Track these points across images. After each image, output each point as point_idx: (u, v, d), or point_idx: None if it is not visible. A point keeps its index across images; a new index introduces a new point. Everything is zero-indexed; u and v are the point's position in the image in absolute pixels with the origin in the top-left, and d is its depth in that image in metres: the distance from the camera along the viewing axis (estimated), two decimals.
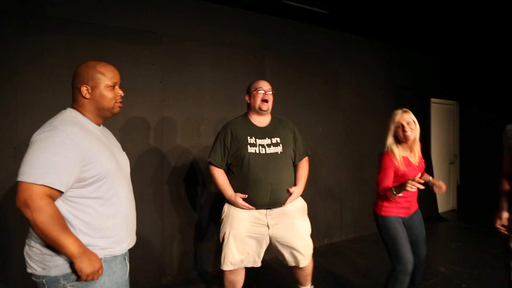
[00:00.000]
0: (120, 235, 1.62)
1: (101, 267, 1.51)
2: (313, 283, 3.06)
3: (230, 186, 2.70)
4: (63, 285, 1.49)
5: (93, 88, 1.61)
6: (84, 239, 1.50)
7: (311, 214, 4.85)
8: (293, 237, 2.74)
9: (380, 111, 5.69)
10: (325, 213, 5.05)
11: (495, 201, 7.18)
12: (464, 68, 7.08)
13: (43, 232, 1.40)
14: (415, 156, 2.74)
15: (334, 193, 5.14)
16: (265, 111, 2.72)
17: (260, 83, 2.72)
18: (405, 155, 2.69)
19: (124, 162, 1.76)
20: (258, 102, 2.68)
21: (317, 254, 4.53)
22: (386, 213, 2.70)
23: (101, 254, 1.54)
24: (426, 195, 6.38)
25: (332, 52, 5.11)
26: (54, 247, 1.45)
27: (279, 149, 2.71)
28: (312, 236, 4.84)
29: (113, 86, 1.66)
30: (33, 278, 1.54)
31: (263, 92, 2.69)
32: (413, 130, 2.67)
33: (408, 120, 2.68)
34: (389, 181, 2.62)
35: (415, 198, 2.80)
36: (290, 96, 4.59)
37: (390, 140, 2.70)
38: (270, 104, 2.74)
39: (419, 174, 2.42)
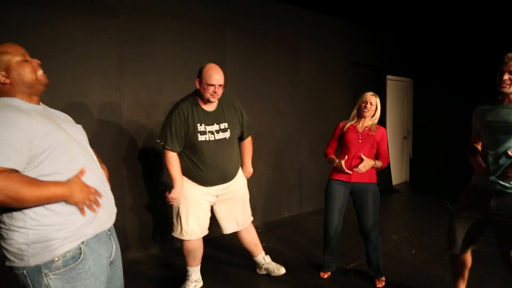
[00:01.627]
0: (99, 211, 1.53)
1: (86, 185, 1.47)
2: (271, 254, 3.18)
3: (181, 178, 2.80)
4: (45, 274, 1.41)
5: (8, 71, 1.49)
6: (59, 221, 1.42)
7: (271, 188, 5.02)
8: (237, 205, 3.04)
9: (339, 87, 5.84)
10: (286, 187, 5.18)
11: (445, 173, 7.59)
12: (417, 46, 7.33)
13: (21, 200, 1.32)
14: (363, 128, 3.06)
15: (294, 167, 5.27)
16: (213, 102, 2.76)
17: (213, 79, 2.65)
18: (355, 124, 3.08)
19: (78, 135, 1.64)
20: (207, 95, 2.68)
21: (276, 227, 4.69)
22: (331, 176, 3.14)
23: (79, 237, 1.46)
24: (382, 169, 6.67)
25: (293, 27, 5.13)
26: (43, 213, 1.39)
27: (227, 134, 2.85)
28: (272, 209, 5.01)
29: (25, 60, 1.53)
30: (14, 271, 1.44)
31: (214, 87, 2.66)
32: (369, 110, 3.01)
33: (372, 101, 3.02)
34: (332, 143, 3.20)
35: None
36: (251, 72, 4.60)
37: (354, 111, 3.12)
38: (220, 94, 2.74)
39: (343, 160, 3.00)
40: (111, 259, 1.62)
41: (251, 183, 4.73)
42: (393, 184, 6.95)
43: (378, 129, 3.06)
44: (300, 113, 5.28)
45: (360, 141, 3.00)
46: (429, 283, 3.14)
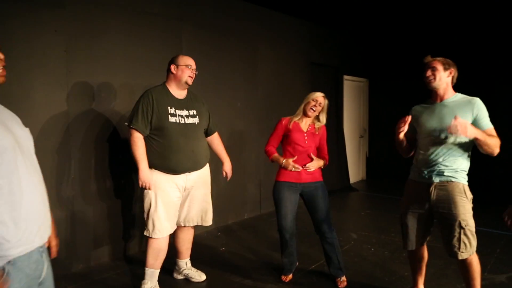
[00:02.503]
0: (29, 227, 1.35)
1: None
2: (232, 258, 3.08)
3: (146, 158, 2.74)
4: None
5: None
6: None
7: (230, 190, 4.92)
8: (203, 200, 3.03)
9: (297, 87, 5.83)
10: (245, 189, 5.10)
11: (400, 171, 7.78)
12: (373, 47, 7.49)
13: None
14: (307, 126, 3.06)
15: (253, 168, 5.20)
16: (189, 85, 2.86)
17: (191, 61, 2.84)
18: (298, 122, 3.05)
19: (25, 140, 1.48)
20: (185, 77, 2.79)
21: (235, 229, 4.59)
22: (277, 178, 3.06)
23: (4, 256, 1.28)
24: (339, 168, 6.75)
25: (251, 26, 5.05)
26: None
27: (196, 120, 2.90)
28: (231, 211, 4.91)
29: None
30: None
31: (192, 69, 2.82)
32: (316, 110, 3.00)
33: (321, 101, 3.00)
34: (275, 141, 3.12)
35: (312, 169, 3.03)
36: (208, 70, 4.46)
37: (300, 108, 3.06)
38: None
39: (291, 159, 2.97)
40: (41, 279, 1.44)
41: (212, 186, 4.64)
42: (351, 182, 7.06)
43: (320, 128, 3.11)
44: (259, 112, 5.21)
45: (306, 141, 3.00)
46: (389, 280, 3.16)
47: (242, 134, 4.98)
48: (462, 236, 2.34)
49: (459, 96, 2.50)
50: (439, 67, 2.48)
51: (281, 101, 5.51)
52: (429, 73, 2.50)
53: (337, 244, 3.05)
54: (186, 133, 2.80)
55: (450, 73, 2.49)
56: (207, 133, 3.09)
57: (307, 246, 3.88)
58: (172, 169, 2.76)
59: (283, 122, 3.10)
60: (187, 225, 3.04)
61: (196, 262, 3.35)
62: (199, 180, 2.95)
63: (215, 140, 3.20)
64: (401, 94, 7.18)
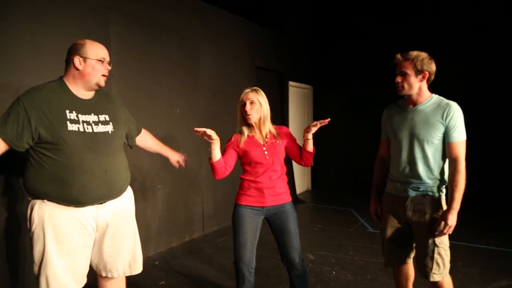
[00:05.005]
0: None
1: None
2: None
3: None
4: None
5: None
6: None
7: (169, 209, 4.26)
8: (128, 241, 2.21)
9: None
10: (185, 206, 4.47)
11: (346, 181, 7.62)
12: (318, 53, 7.31)
13: None
14: (263, 137, 2.47)
15: (194, 183, 4.59)
16: (101, 87, 2.08)
17: (103, 51, 2.05)
18: (252, 135, 2.48)
19: None
20: (97, 76, 2.01)
21: (176, 256, 3.95)
22: (237, 200, 2.50)
23: None
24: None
25: (193, 24, 4.48)
26: None
27: (109, 127, 2.06)
28: (170, 234, 4.24)
29: None
30: None
31: (105, 63, 2.05)
32: (251, 111, 2.41)
33: (252, 99, 2.42)
34: (225, 158, 2.48)
35: (275, 186, 2.45)
36: (141, 70, 3.81)
37: (238, 117, 2.50)
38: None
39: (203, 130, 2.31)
40: None
41: (143, 204, 3.97)
42: (297, 193, 6.70)
43: (280, 131, 2.52)
44: (201, 119, 4.63)
45: (267, 157, 2.42)
46: None
47: (182, 144, 4.37)
48: (436, 256, 2.14)
49: (434, 99, 2.17)
50: (410, 71, 2.13)
51: (224, 106, 4.99)
52: (398, 79, 2.17)
53: (307, 277, 2.56)
54: (95, 147, 1.98)
55: (424, 77, 2.15)
56: (129, 143, 2.37)
57: (268, 278, 3.36)
58: (74, 199, 1.92)
59: (232, 139, 2.54)
60: (109, 276, 2.19)
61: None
62: (118, 213, 2.13)
63: (147, 138, 2.54)
64: (345, 102, 7.05)
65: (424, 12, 6.11)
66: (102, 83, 2.04)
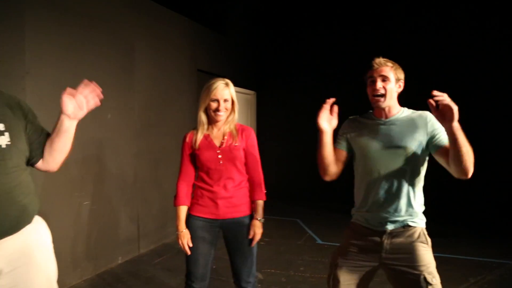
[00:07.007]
0: None
1: None
2: None
3: None
4: None
5: None
6: None
7: (98, 228, 3.72)
8: (36, 281, 1.56)
9: (182, 97, 4.95)
10: (117, 224, 3.95)
11: (291, 190, 7.43)
12: (262, 59, 7.12)
13: None
14: (221, 137, 2.17)
15: (129, 196, 4.09)
16: None
17: None
18: (207, 133, 2.17)
19: None
20: None
21: (107, 283, 3.42)
22: (190, 211, 2.20)
23: None
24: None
25: (127, 17, 4.00)
26: None
27: (4, 140, 1.49)
28: (99, 257, 3.69)
29: None
30: None
31: None
32: (225, 111, 2.12)
33: (226, 96, 2.10)
34: (187, 169, 2.19)
35: (231, 197, 2.16)
36: (64, 67, 3.26)
37: (202, 116, 2.14)
38: None
39: (186, 238, 2.11)
40: None
41: (67, 225, 3.37)
42: None
43: (242, 132, 2.20)
44: (136, 126, 4.15)
45: (220, 161, 2.12)
46: None
47: (114, 154, 3.86)
48: None
49: (406, 110, 1.91)
50: (392, 78, 1.84)
51: (163, 112, 4.54)
52: (379, 84, 1.82)
53: None
54: None
55: (399, 86, 1.90)
56: (33, 158, 1.65)
57: None
58: None
59: (187, 138, 2.20)
60: None
61: None
62: (25, 253, 1.54)
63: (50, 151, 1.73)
64: (290, 109, 6.90)
65: (372, 14, 6.12)
66: None
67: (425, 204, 1.91)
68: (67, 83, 3.25)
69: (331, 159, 1.90)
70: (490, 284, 3.37)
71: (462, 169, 1.65)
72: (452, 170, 1.71)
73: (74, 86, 3.50)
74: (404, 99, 1.99)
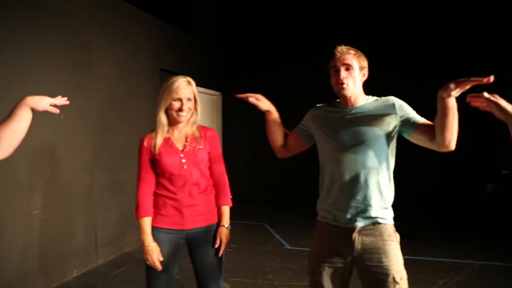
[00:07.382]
0: None
1: None
2: None
3: None
4: None
5: None
6: None
7: (50, 239, 3.40)
8: None
9: (143, 98, 4.70)
10: (74, 233, 3.65)
11: (257, 193, 7.31)
12: (228, 59, 6.97)
13: None
14: (183, 140, 2.00)
15: (84, 204, 3.79)
16: None
17: None
18: (168, 136, 1.99)
19: None
20: None
21: None
22: (153, 223, 1.98)
23: None
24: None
25: (82, 8, 3.71)
26: None
27: None
28: (52, 270, 3.39)
29: None
30: None
31: None
32: (191, 110, 1.97)
33: (189, 95, 1.94)
34: (146, 176, 1.98)
35: (197, 204, 1.99)
36: (10, 63, 2.96)
37: (162, 117, 1.97)
38: None
39: (156, 251, 1.92)
40: None
41: (14, 238, 3.01)
42: None
43: (205, 134, 2.05)
44: (93, 128, 3.86)
45: (185, 166, 1.94)
46: None
47: (68, 157, 3.56)
48: None
49: (371, 97, 1.86)
50: (355, 65, 1.78)
51: (122, 113, 4.27)
52: (343, 74, 1.75)
53: None
54: None
55: (364, 75, 1.84)
56: None
57: None
58: None
59: (145, 143, 1.99)
60: None
61: None
62: None
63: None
64: (257, 111, 6.67)
65: (337, 12, 6.10)
66: None
67: (394, 206, 1.84)
68: (14, 79, 2.97)
69: (279, 135, 2.09)
70: (458, 285, 3.37)
71: (453, 137, 1.62)
72: (439, 142, 1.65)
73: (23, 83, 3.19)
74: (375, 89, 1.92)
